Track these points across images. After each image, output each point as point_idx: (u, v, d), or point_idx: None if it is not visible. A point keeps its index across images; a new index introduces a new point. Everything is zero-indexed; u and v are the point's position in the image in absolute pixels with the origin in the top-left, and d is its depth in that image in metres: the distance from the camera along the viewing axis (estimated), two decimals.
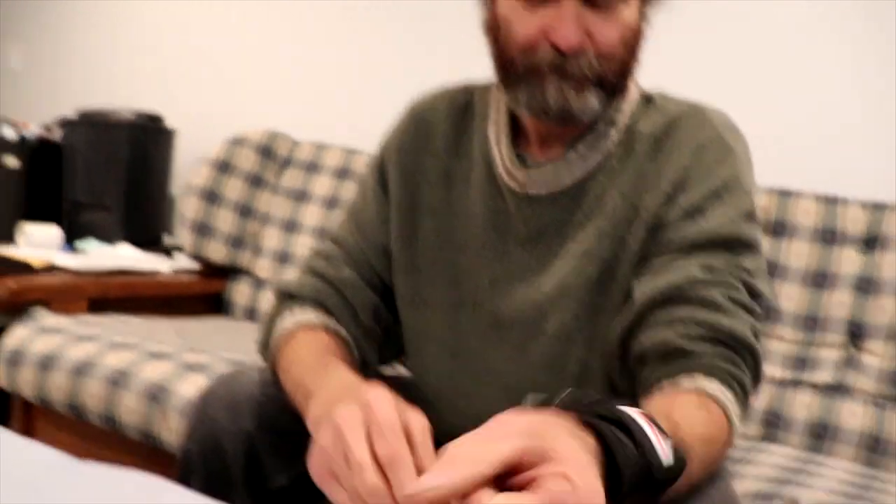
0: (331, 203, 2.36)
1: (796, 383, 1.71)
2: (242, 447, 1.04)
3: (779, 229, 1.79)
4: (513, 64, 0.99)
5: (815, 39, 1.99)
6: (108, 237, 2.69)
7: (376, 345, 1.13)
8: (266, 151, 2.46)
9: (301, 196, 2.40)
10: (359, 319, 1.10)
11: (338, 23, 2.76)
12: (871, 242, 1.74)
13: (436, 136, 1.13)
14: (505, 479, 0.57)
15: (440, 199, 1.11)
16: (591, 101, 0.97)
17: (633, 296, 0.95)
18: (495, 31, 1.01)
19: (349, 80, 2.73)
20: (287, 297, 1.11)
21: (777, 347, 1.74)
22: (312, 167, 2.43)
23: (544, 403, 0.66)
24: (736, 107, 1.99)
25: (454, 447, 0.59)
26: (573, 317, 1.01)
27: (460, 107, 1.14)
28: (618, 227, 1.00)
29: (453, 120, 1.13)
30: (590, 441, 0.62)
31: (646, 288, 0.93)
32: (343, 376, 0.92)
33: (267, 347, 1.07)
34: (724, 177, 0.97)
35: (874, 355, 1.68)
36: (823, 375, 1.69)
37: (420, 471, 0.64)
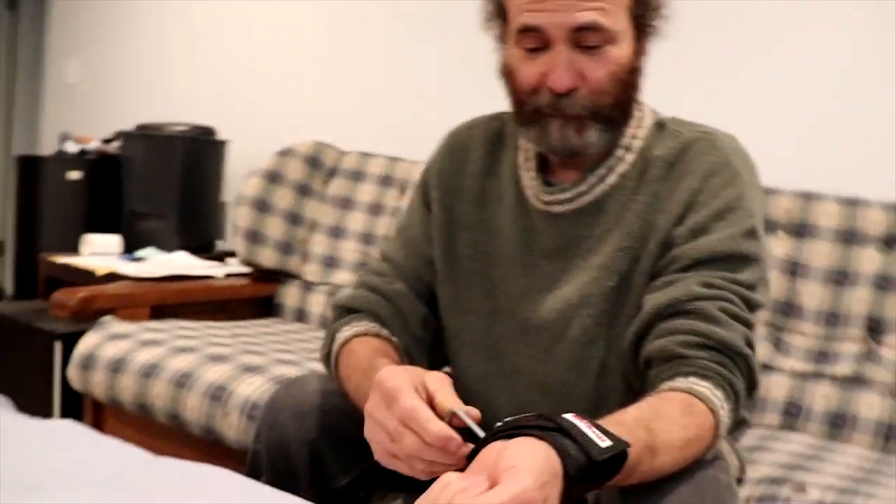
0: (375, 209, 2.46)
1: (817, 376, 1.77)
2: (307, 452, 1.15)
3: (801, 230, 1.85)
4: (522, 106, 1.11)
5: (840, 43, 2.04)
6: (165, 245, 2.83)
7: (426, 351, 1.24)
8: (313, 162, 2.56)
9: (347, 203, 2.51)
10: (409, 327, 1.21)
11: (381, 43, 2.87)
12: (891, 242, 1.78)
13: (471, 160, 1.24)
14: None
15: (475, 216, 1.22)
16: (591, 135, 1.08)
17: (643, 308, 1.05)
18: (507, 76, 1.13)
19: (392, 93, 2.83)
20: (344, 312, 1.22)
21: (799, 342, 1.80)
22: (357, 175, 2.54)
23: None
24: (758, 112, 2.07)
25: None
26: (594, 322, 1.11)
27: (493, 134, 1.25)
28: (634, 243, 1.10)
29: (487, 146, 1.24)
30: (550, 452, 0.77)
31: (653, 301, 1.04)
32: None
33: (328, 358, 1.18)
34: (728, 199, 1.06)
35: (892, 349, 1.73)
36: (843, 368, 1.75)
37: (441, 411, 0.83)
